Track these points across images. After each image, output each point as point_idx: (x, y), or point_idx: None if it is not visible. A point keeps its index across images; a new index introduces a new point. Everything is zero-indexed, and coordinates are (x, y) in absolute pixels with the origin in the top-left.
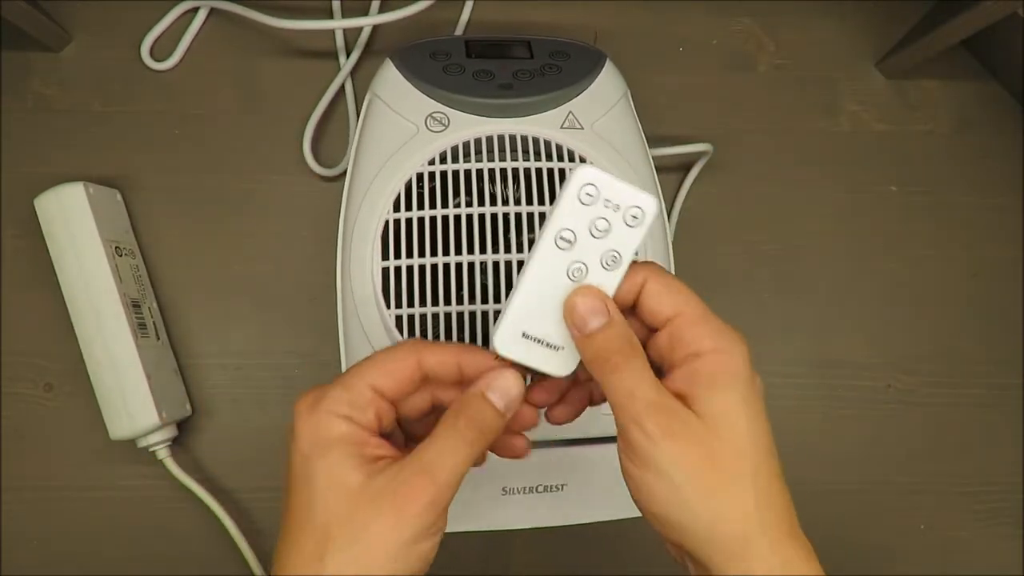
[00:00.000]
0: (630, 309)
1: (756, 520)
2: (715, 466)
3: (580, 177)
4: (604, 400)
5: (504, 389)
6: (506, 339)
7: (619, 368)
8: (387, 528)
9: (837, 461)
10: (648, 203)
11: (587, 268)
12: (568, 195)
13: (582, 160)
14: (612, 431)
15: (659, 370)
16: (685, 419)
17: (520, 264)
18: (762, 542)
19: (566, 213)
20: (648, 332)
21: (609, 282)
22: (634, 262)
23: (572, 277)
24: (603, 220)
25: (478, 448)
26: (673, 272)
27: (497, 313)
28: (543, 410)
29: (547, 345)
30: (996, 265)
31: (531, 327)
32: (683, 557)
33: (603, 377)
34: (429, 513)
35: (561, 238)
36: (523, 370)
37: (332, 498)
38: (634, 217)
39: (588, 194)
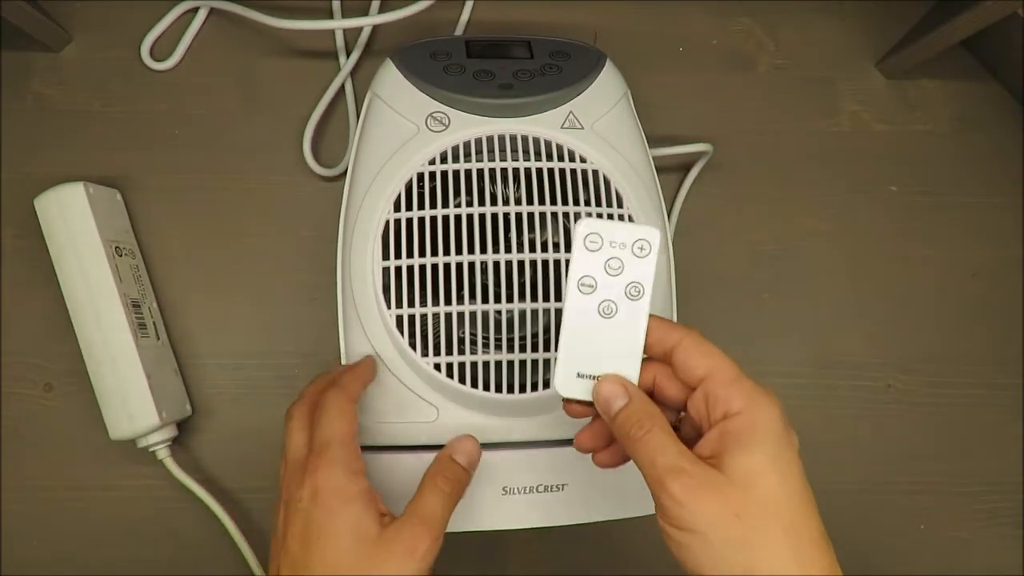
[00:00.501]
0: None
1: (794, 567)
2: (745, 523)
3: (582, 229)
4: None
5: (466, 452)
6: (564, 382)
7: (640, 439)
8: (401, 567)
9: (837, 461)
10: (651, 234)
11: (615, 304)
12: (576, 247)
13: (583, 160)
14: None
15: (698, 433)
16: (710, 479)
17: (520, 264)
18: None
19: (580, 262)
20: (687, 392)
21: (640, 309)
22: (674, 323)
23: (604, 314)
24: (615, 259)
25: (456, 499)
26: (673, 273)
27: (497, 313)
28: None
29: (595, 379)
30: (996, 265)
31: (582, 367)
32: None
33: (629, 449)
34: (432, 553)
35: (583, 284)
36: (587, 405)
37: (356, 546)
38: (641, 249)
39: (592, 241)
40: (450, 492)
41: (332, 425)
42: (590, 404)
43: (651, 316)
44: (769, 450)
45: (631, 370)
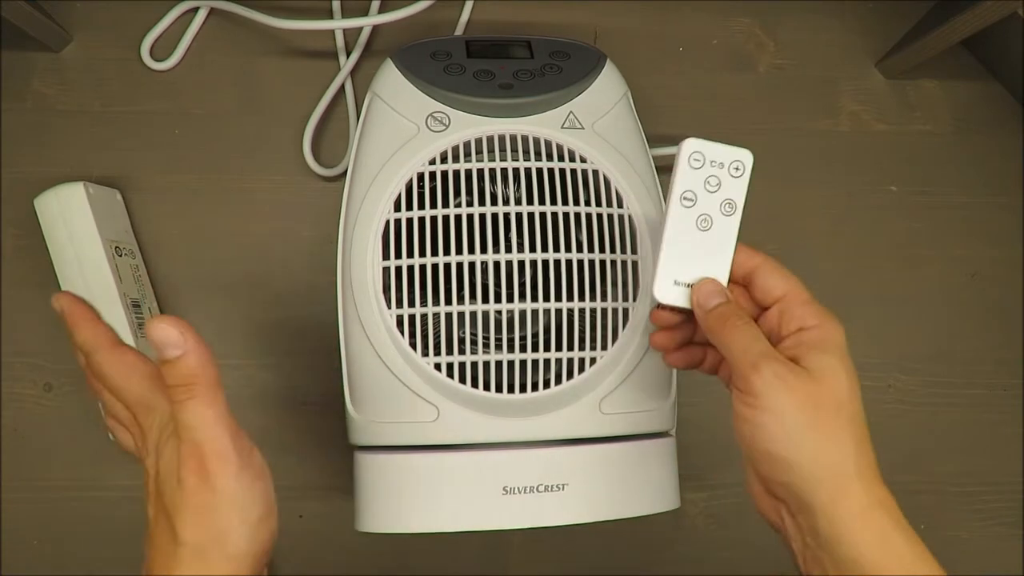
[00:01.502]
0: (743, 289)
1: (854, 461)
2: (820, 410)
3: (687, 147)
4: (712, 369)
5: (165, 340)
6: (662, 289)
7: (737, 328)
8: (205, 481)
9: None
10: (745, 156)
11: (711, 218)
12: (681, 163)
13: (583, 160)
14: (612, 431)
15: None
16: (795, 370)
17: (520, 264)
18: (859, 482)
19: (683, 178)
20: (759, 312)
21: (732, 224)
22: (752, 248)
23: (701, 227)
24: (714, 177)
25: (209, 388)
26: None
27: (497, 313)
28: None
29: (690, 286)
30: (996, 265)
31: (679, 275)
32: (779, 513)
33: (722, 336)
34: (227, 454)
35: (684, 198)
36: (678, 311)
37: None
38: (736, 169)
39: (696, 159)
40: (190, 395)
41: (125, 385)
42: (682, 311)
43: (738, 245)
44: (841, 356)
45: (722, 279)
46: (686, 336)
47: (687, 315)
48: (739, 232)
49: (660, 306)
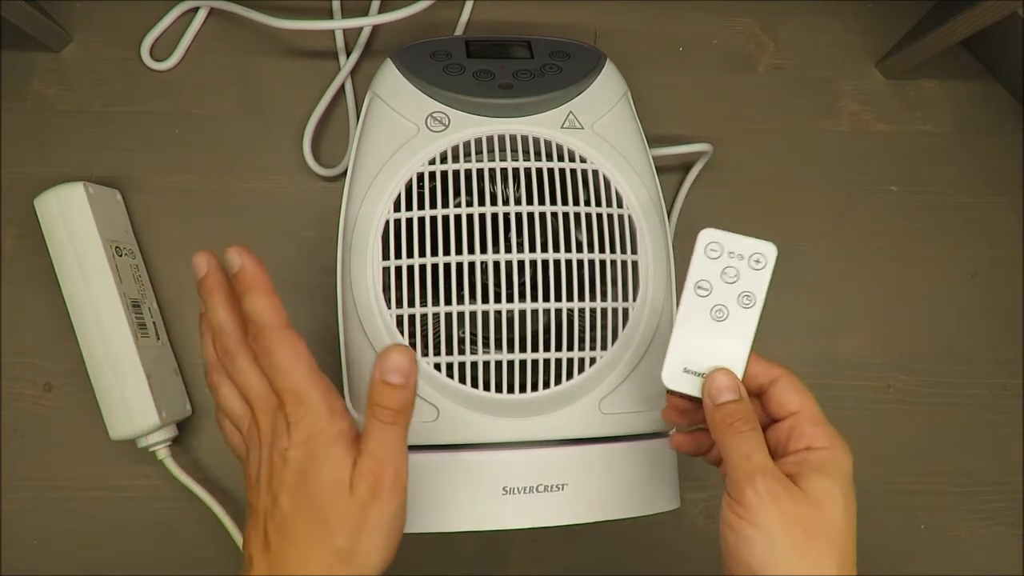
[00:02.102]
0: (757, 399)
1: None
2: (808, 534)
3: (704, 238)
4: (716, 461)
5: (398, 368)
6: (672, 375)
7: (741, 433)
8: (372, 510)
9: None
10: (768, 250)
11: (727, 309)
12: (697, 253)
13: (582, 160)
14: (612, 431)
15: (772, 455)
16: (792, 490)
17: (520, 264)
18: None
19: (698, 267)
20: (769, 422)
21: (750, 318)
22: (773, 362)
23: (716, 318)
24: (731, 268)
25: (405, 420)
26: (673, 273)
27: (497, 313)
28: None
29: (699, 375)
30: (996, 265)
31: (689, 363)
32: None
33: (726, 438)
34: (397, 487)
35: (699, 287)
36: (688, 398)
37: (335, 492)
38: (757, 262)
39: (713, 250)
40: (393, 420)
41: (294, 372)
42: (691, 399)
43: (753, 354)
44: (843, 485)
45: (738, 372)
46: (696, 420)
47: (697, 403)
48: (759, 326)
49: (669, 392)
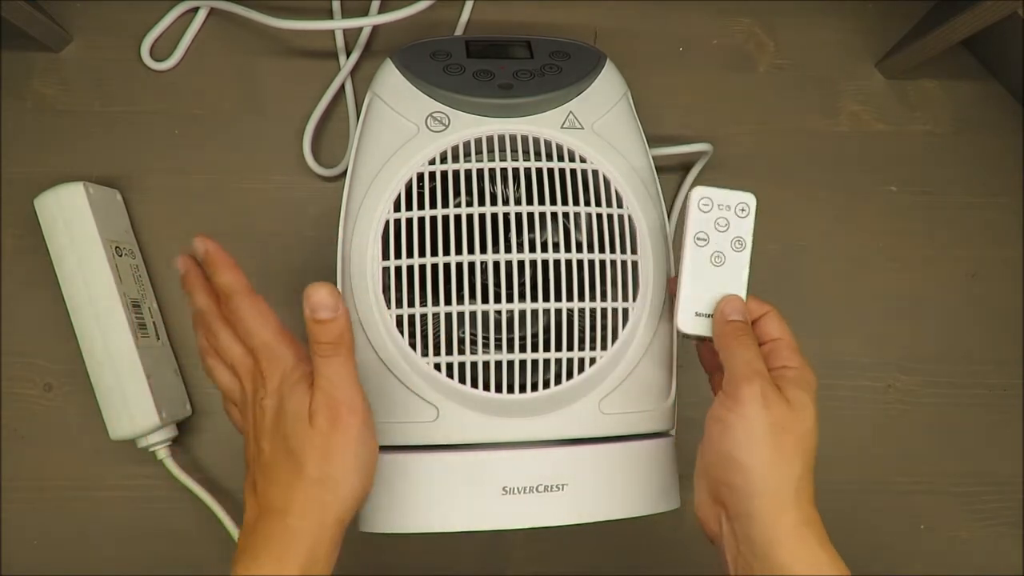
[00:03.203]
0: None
1: (796, 482)
2: (785, 432)
3: (696, 194)
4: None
5: (323, 304)
6: (686, 321)
7: (746, 345)
8: (335, 441)
9: (837, 461)
10: (749, 198)
11: (724, 254)
12: (692, 208)
13: (582, 159)
14: (612, 431)
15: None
16: (778, 395)
17: (520, 264)
18: (796, 500)
19: (695, 220)
20: None
21: (743, 259)
22: (764, 301)
23: (715, 263)
24: (722, 218)
25: (346, 351)
26: (673, 273)
27: (497, 313)
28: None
29: (710, 316)
30: (996, 265)
31: (699, 307)
32: (719, 520)
33: (732, 347)
34: (355, 416)
35: (698, 239)
36: (699, 339)
37: (299, 427)
38: (742, 210)
39: (705, 204)
40: (333, 352)
41: (261, 329)
42: (705, 339)
43: (750, 295)
44: (813, 398)
45: None
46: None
47: (707, 339)
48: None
49: (684, 335)
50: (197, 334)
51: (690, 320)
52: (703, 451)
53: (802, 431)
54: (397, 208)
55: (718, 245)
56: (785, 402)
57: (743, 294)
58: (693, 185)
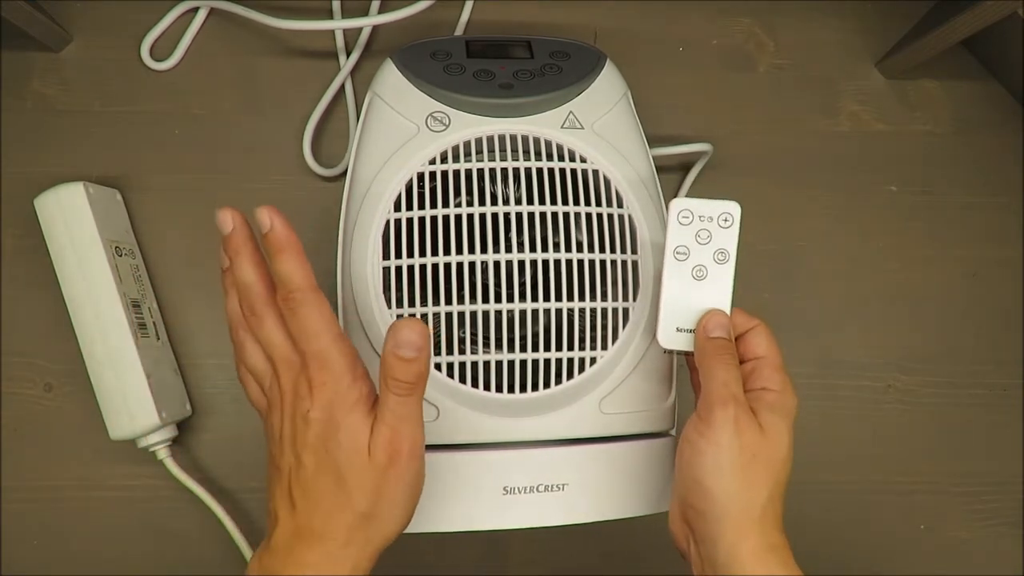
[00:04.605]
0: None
1: (761, 508)
2: (755, 459)
3: (674, 207)
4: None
5: (409, 343)
6: (666, 336)
7: (726, 364)
8: (390, 476)
9: (837, 461)
10: (733, 208)
11: (706, 268)
12: (671, 221)
13: (583, 159)
14: (612, 431)
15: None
16: (751, 420)
17: (520, 263)
18: (759, 526)
19: (674, 234)
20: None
21: (727, 271)
22: (752, 316)
23: (696, 277)
24: (704, 230)
25: (418, 392)
26: None
27: (497, 313)
28: None
29: (692, 331)
30: (996, 265)
31: (679, 322)
32: (687, 540)
33: (712, 366)
34: (413, 456)
35: (677, 253)
36: (682, 353)
37: (353, 457)
38: (725, 221)
39: (684, 216)
40: (407, 392)
41: (319, 337)
42: (687, 354)
43: (735, 308)
44: (789, 425)
45: None
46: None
47: (687, 353)
48: (735, 272)
49: (665, 351)
50: (228, 297)
51: (671, 336)
52: (676, 471)
53: (773, 457)
54: (397, 208)
55: (699, 259)
56: (758, 427)
57: (727, 308)
58: (692, 185)
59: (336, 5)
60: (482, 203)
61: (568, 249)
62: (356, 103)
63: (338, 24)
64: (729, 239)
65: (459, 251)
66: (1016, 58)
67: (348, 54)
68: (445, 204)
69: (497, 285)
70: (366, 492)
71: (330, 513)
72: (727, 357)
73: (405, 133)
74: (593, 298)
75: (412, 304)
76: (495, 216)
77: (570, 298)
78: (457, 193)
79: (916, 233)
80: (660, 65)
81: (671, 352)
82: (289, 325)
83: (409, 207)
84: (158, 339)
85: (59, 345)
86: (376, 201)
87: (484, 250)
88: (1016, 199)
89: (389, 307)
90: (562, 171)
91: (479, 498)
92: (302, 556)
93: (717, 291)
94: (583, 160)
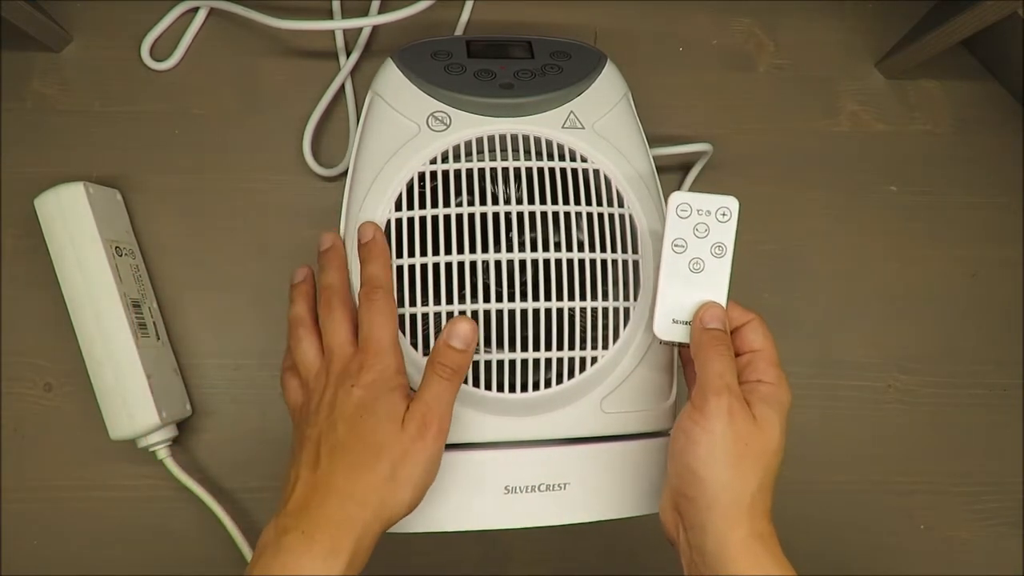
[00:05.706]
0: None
1: (751, 497)
2: (747, 451)
3: (673, 200)
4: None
5: (462, 336)
6: (662, 328)
7: (721, 355)
8: (418, 444)
9: (837, 461)
10: (731, 203)
11: (703, 261)
12: (670, 214)
13: (583, 159)
14: (613, 431)
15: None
16: (745, 411)
17: (521, 263)
18: (748, 515)
19: (673, 227)
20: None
21: (723, 265)
22: (748, 309)
23: (694, 270)
24: (702, 224)
25: (458, 381)
26: None
27: (498, 312)
28: None
29: (688, 323)
30: (996, 265)
31: (676, 314)
32: (677, 528)
33: (707, 357)
34: (441, 433)
35: (675, 245)
36: (678, 345)
37: (388, 424)
38: (723, 215)
39: (683, 210)
40: (449, 377)
41: (384, 329)
42: (682, 345)
43: (732, 300)
44: (782, 418)
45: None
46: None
47: (682, 345)
48: (732, 266)
49: (661, 343)
50: (294, 304)
51: (667, 327)
52: (669, 460)
53: (764, 449)
54: (398, 207)
55: (697, 251)
56: (751, 418)
57: (723, 301)
58: (692, 184)
59: (336, 5)
60: (483, 203)
61: (569, 249)
62: (356, 103)
63: (338, 24)
64: (727, 233)
65: (460, 251)
66: (1016, 58)
67: (348, 54)
68: (446, 204)
69: (498, 284)
70: (392, 457)
71: (354, 472)
72: (722, 348)
73: (406, 133)
74: (594, 297)
75: (413, 304)
76: (496, 216)
77: (571, 297)
78: (458, 193)
79: (916, 233)
80: (660, 65)
81: (666, 344)
82: (362, 312)
83: (410, 207)
84: (158, 339)
85: (59, 345)
86: (377, 201)
87: (485, 250)
88: (1016, 199)
89: None
90: (563, 171)
91: (480, 497)
92: (319, 509)
93: (714, 284)
94: (584, 160)
